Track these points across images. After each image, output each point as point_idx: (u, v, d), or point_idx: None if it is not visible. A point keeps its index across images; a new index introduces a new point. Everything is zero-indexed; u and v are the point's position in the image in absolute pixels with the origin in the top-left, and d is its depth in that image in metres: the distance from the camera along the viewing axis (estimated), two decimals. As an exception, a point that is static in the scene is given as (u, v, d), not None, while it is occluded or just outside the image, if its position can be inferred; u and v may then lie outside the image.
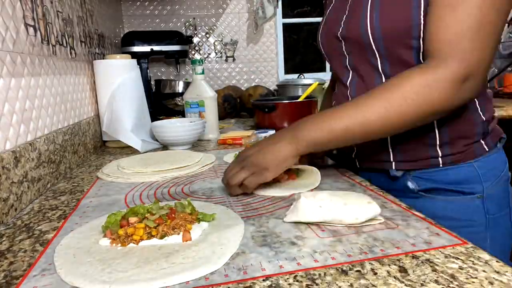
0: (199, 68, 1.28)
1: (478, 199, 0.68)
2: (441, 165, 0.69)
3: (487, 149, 0.69)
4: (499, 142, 0.73)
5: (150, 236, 0.49)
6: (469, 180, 0.68)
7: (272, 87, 2.21)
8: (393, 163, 0.72)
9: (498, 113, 1.56)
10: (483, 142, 0.69)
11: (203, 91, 1.28)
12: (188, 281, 0.40)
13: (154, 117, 1.50)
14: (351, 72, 0.76)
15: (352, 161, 0.80)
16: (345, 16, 0.73)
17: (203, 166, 0.89)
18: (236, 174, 0.64)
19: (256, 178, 0.63)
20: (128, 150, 1.17)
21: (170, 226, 0.50)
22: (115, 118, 1.15)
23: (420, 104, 0.56)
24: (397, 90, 0.57)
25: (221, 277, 0.41)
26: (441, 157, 0.69)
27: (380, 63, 0.68)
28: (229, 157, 0.97)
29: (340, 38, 0.74)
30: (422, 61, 0.64)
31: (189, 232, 0.49)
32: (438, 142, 0.68)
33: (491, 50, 0.56)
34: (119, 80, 1.17)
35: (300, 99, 1.35)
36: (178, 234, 0.49)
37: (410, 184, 0.72)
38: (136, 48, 1.76)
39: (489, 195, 0.68)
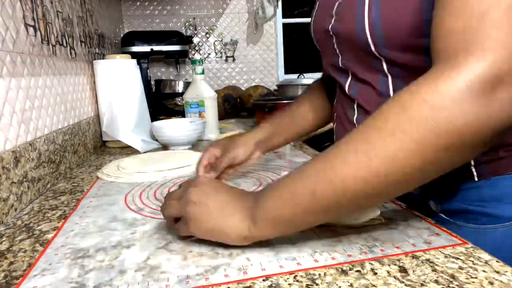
0: (199, 68, 1.28)
1: None
2: (476, 179, 0.53)
3: None
4: None
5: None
6: (507, 197, 0.51)
7: (272, 87, 2.21)
8: None
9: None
10: None
11: (203, 91, 1.28)
12: (188, 281, 0.40)
13: (154, 117, 1.50)
14: (350, 75, 0.60)
15: None
16: (337, 4, 0.57)
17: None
18: (170, 211, 0.49)
19: (186, 231, 0.47)
20: (128, 150, 1.17)
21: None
22: (115, 118, 1.15)
23: (436, 141, 0.34)
24: (392, 129, 0.35)
25: (221, 277, 0.41)
26: (474, 166, 0.52)
27: (386, 65, 0.53)
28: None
29: (331, 33, 0.59)
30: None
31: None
32: None
33: None
34: (119, 80, 1.17)
35: (300, 99, 1.35)
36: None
37: (432, 205, 0.56)
38: (136, 48, 1.76)
39: None
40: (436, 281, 0.38)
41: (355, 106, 0.61)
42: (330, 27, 0.59)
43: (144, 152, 1.11)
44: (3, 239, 0.56)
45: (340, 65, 0.61)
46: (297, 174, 0.42)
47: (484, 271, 0.39)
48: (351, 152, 0.37)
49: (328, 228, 0.51)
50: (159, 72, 2.14)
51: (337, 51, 0.60)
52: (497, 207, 0.51)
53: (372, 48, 0.52)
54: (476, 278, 0.38)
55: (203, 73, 1.29)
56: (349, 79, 0.61)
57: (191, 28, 2.15)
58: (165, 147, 1.18)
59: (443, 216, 0.56)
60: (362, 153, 0.36)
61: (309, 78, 1.93)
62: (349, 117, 0.63)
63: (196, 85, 1.29)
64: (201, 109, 1.28)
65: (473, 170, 0.53)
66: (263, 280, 0.40)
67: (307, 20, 2.45)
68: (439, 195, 0.56)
